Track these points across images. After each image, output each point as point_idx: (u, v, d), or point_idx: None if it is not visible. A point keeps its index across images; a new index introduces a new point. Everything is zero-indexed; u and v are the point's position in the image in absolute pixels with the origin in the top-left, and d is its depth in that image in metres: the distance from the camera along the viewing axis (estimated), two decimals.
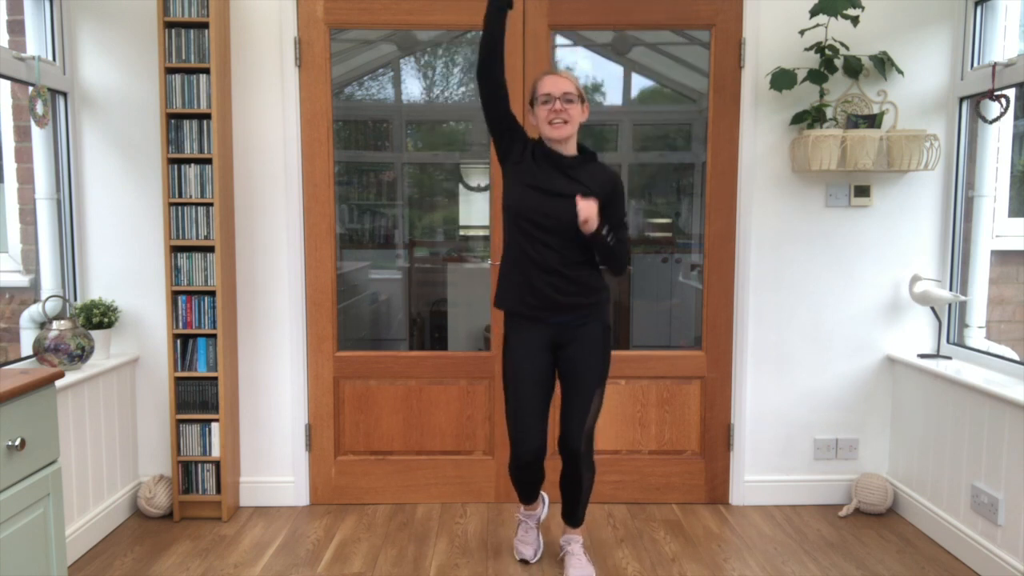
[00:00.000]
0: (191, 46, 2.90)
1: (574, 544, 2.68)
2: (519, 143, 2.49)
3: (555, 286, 2.44)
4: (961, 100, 3.08)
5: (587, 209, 2.31)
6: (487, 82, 2.42)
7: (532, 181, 2.44)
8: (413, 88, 5.10)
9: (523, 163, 2.47)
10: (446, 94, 5.16)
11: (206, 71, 2.92)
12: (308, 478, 3.25)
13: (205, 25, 2.89)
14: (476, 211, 5.21)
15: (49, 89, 2.85)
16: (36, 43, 2.95)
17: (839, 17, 2.85)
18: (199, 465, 3.07)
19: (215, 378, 3.03)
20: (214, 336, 3.01)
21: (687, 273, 4.64)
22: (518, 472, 2.59)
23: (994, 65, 2.84)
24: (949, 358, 3.09)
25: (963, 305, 3.20)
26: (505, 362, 2.55)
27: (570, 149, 2.48)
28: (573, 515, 2.67)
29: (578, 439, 2.51)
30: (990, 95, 2.87)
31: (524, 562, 2.72)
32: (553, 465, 3.08)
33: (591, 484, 2.62)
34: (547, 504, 2.85)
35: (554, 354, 2.55)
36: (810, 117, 3.00)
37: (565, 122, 2.41)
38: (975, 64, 3.04)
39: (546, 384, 2.55)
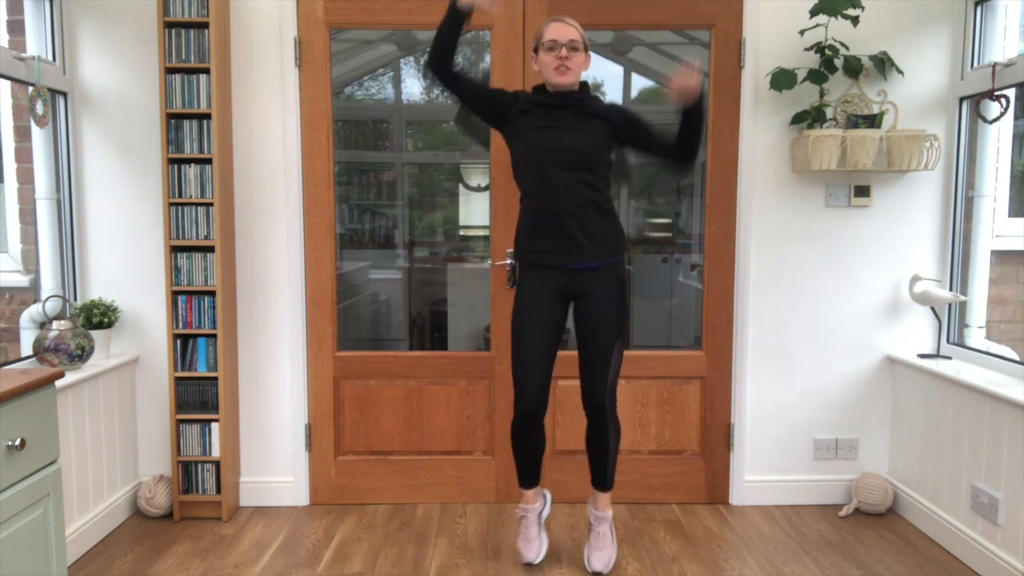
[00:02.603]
0: (191, 46, 2.90)
1: (602, 524, 2.69)
2: (510, 101, 2.55)
3: (571, 228, 2.46)
4: (961, 100, 3.08)
5: (691, 75, 2.31)
6: (448, 76, 2.49)
7: (541, 123, 2.49)
8: (413, 88, 5.10)
9: (523, 113, 2.52)
10: (446, 94, 5.16)
11: (206, 71, 2.92)
12: (308, 478, 3.25)
13: (205, 25, 2.89)
14: (476, 211, 5.20)
15: (49, 89, 2.85)
16: (36, 43, 2.95)
17: (839, 17, 2.85)
18: (199, 465, 3.07)
19: (215, 378, 3.03)
20: (214, 336, 3.01)
21: (687, 273, 4.63)
22: (521, 426, 2.58)
23: (994, 65, 2.84)
24: (949, 358, 3.09)
25: (963, 305, 3.20)
26: (515, 310, 2.58)
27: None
28: (601, 476, 2.67)
29: (602, 395, 2.55)
30: (990, 95, 2.87)
31: (528, 565, 2.69)
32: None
33: (617, 441, 2.66)
34: (549, 501, 2.83)
35: (567, 306, 2.57)
36: (810, 117, 3.00)
37: (569, 69, 2.46)
38: (975, 64, 3.04)
39: (553, 335, 2.56)
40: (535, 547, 2.70)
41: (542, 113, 2.50)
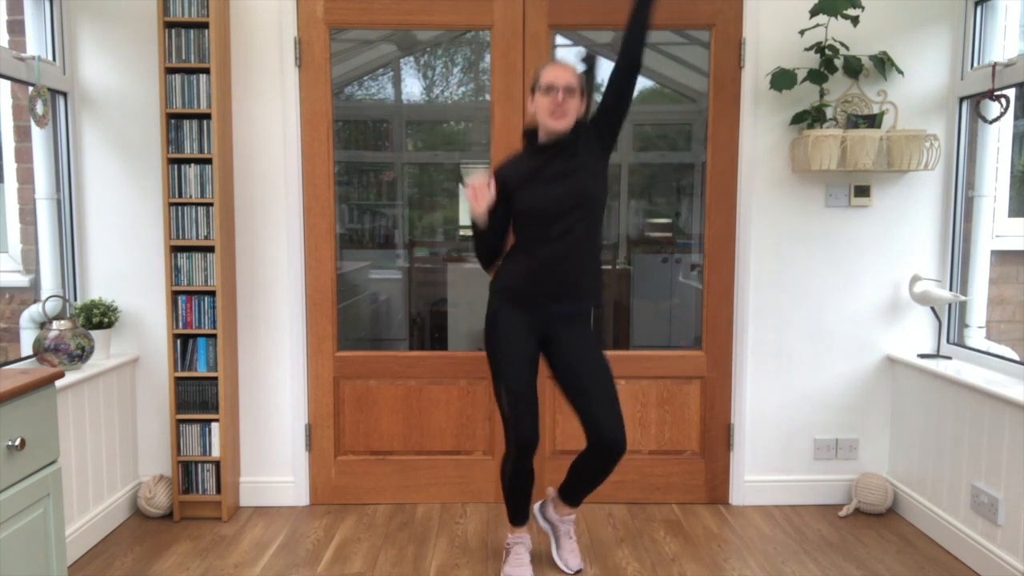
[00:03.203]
0: (191, 46, 2.90)
1: (571, 526, 2.72)
2: (505, 183, 2.51)
3: (562, 274, 2.46)
4: (961, 100, 3.08)
5: None
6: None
7: (533, 179, 2.47)
8: (413, 88, 5.10)
9: (514, 177, 2.51)
10: (446, 94, 5.16)
11: (206, 71, 2.92)
12: (308, 478, 3.25)
13: (205, 25, 2.89)
14: None
15: (49, 89, 2.85)
16: (36, 43, 2.95)
17: (839, 17, 2.85)
18: (199, 465, 3.07)
19: (215, 378, 3.03)
20: (214, 336, 3.01)
21: (687, 273, 4.64)
22: (517, 462, 2.51)
23: (994, 65, 2.84)
24: (949, 358, 3.09)
25: (963, 305, 3.20)
26: (496, 344, 2.53)
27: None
28: (578, 498, 2.66)
29: (621, 430, 2.45)
30: (990, 95, 2.87)
31: None
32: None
33: None
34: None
35: (540, 347, 2.56)
36: (810, 117, 3.00)
37: (565, 115, 2.43)
38: (975, 64, 3.04)
39: (536, 369, 2.54)
40: (528, 572, 2.59)
41: (533, 169, 2.48)
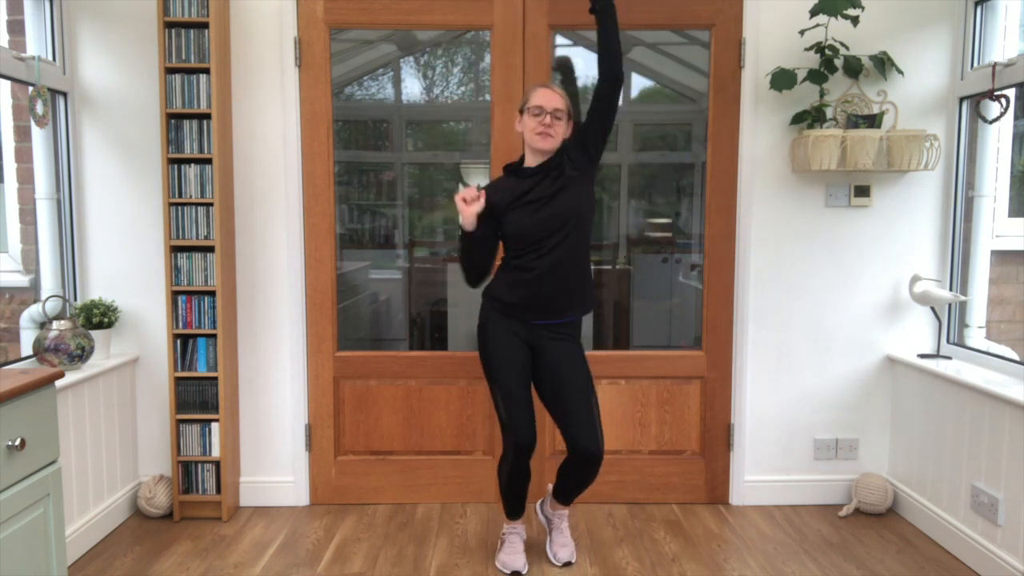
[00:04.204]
0: (191, 46, 2.90)
1: (564, 520, 2.77)
2: (495, 206, 2.55)
3: (549, 289, 2.51)
4: (961, 100, 3.08)
5: None
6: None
7: (521, 200, 2.52)
8: (413, 88, 5.10)
9: (503, 201, 2.55)
10: (446, 94, 5.16)
11: (206, 71, 2.92)
12: (308, 478, 3.25)
13: (205, 25, 2.89)
14: None
15: (49, 89, 2.85)
16: (36, 43, 2.95)
17: (839, 17, 2.85)
18: (199, 465, 3.07)
19: (215, 378, 3.03)
20: (214, 336, 3.01)
21: (687, 273, 4.64)
22: (515, 461, 2.54)
23: (994, 65, 2.84)
24: (949, 358, 3.09)
25: (963, 305, 3.20)
26: (489, 352, 2.60)
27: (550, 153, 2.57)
28: (568, 498, 2.72)
29: (597, 442, 2.52)
30: (990, 95, 2.87)
31: (516, 574, 2.65)
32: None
33: None
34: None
35: (530, 352, 2.61)
36: (810, 117, 3.00)
37: (552, 136, 2.50)
38: (975, 64, 3.04)
39: (529, 373, 2.59)
40: (522, 559, 2.67)
41: (520, 193, 2.53)
